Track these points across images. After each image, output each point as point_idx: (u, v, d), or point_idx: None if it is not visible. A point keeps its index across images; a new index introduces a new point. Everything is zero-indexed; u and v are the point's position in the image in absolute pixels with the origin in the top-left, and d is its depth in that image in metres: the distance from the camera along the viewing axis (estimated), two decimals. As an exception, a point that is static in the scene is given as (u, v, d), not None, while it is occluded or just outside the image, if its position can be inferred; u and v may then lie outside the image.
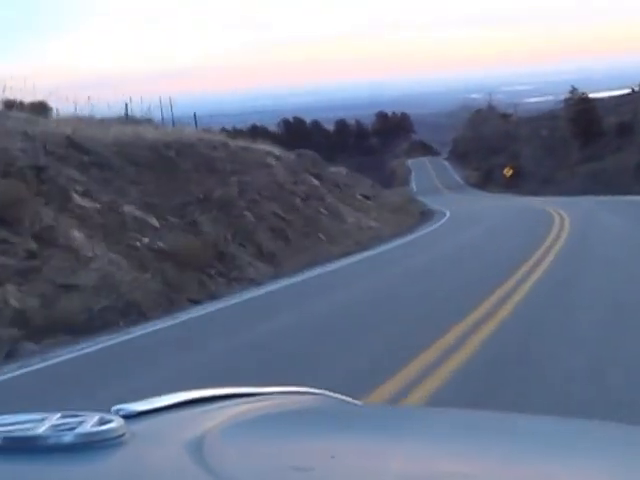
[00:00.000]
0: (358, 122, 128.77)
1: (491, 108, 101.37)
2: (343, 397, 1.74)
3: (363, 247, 23.17)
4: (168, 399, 1.37)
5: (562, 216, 29.66)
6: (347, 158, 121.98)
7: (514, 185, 71.10)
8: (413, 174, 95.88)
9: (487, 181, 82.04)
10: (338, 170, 38.91)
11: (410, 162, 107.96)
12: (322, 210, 26.57)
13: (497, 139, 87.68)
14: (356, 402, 1.80)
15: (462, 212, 39.57)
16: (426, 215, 38.93)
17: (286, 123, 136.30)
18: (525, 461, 1.19)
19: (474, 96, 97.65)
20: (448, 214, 38.58)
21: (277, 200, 23.04)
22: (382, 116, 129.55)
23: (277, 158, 28.50)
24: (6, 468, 1.05)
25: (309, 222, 23.79)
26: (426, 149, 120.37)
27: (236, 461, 1.12)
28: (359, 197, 35.51)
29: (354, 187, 36.75)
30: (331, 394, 1.73)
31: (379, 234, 27.54)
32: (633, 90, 76.44)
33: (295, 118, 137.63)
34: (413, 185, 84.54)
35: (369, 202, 36.06)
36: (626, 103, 70.36)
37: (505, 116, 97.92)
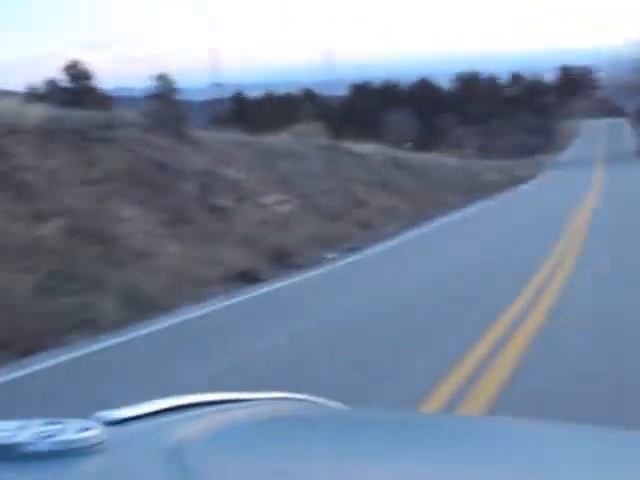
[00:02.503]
0: (535, 76, 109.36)
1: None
2: (330, 402, 1.69)
3: None
4: (151, 406, 1.34)
5: None
6: (518, 117, 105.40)
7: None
8: (578, 139, 78.33)
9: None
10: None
11: (585, 124, 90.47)
12: None
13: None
14: (344, 407, 1.73)
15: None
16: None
17: (460, 78, 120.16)
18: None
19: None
20: None
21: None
22: (565, 70, 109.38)
23: None
24: None
25: None
26: (613, 110, 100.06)
27: (216, 469, 1.11)
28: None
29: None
30: (319, 400, 1.66)
31: None
32: None
33: (469, 73, 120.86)
34: (566, 153, 67.14)
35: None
36: None
37: None
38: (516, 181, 41.80)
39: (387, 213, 24.72)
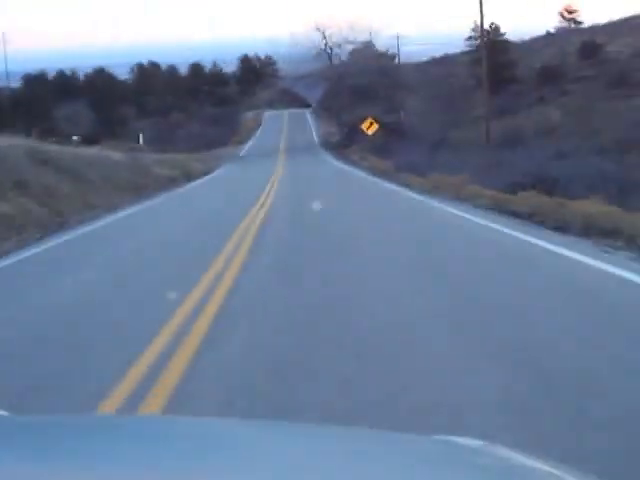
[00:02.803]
0: (215, 66, 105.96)
1: (368, 47, 79.35)
2: None
3: None
4: None
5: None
6: (199, 109, 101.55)
7: (385, 149, 49.06)
8: (260, 130, 76.27)
9: (353, 140, 61.18)
10: None
11: (267, 115, 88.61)
12: None
13: (372, 85, 66.84)
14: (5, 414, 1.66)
15: None
16: None
17: (140, 69, 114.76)
18: None
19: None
20: None
21: None
22: (245, 60, 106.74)
23: None
24: None
25: None
26: (295, 100, 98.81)
27: None
28: None
29: None
30: None
31: None
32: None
33: (150, 63, 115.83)
34: (248, 145, 64.13)
35: None
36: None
37: (384, 56, 76.83)
38: (189, 177, 37.79)
39: (13, 222, 19.25)
